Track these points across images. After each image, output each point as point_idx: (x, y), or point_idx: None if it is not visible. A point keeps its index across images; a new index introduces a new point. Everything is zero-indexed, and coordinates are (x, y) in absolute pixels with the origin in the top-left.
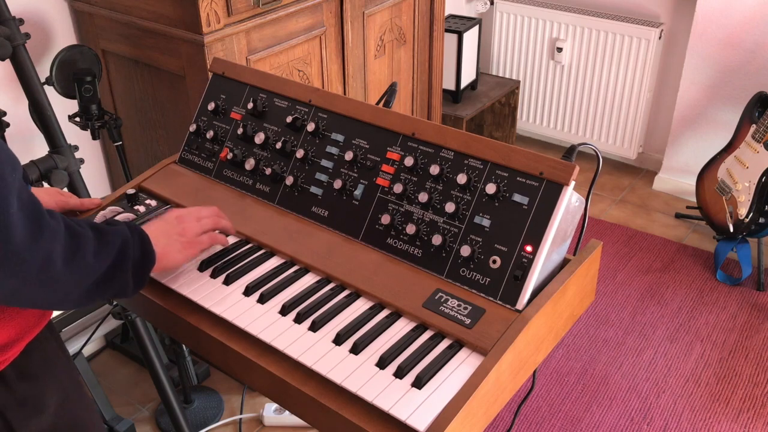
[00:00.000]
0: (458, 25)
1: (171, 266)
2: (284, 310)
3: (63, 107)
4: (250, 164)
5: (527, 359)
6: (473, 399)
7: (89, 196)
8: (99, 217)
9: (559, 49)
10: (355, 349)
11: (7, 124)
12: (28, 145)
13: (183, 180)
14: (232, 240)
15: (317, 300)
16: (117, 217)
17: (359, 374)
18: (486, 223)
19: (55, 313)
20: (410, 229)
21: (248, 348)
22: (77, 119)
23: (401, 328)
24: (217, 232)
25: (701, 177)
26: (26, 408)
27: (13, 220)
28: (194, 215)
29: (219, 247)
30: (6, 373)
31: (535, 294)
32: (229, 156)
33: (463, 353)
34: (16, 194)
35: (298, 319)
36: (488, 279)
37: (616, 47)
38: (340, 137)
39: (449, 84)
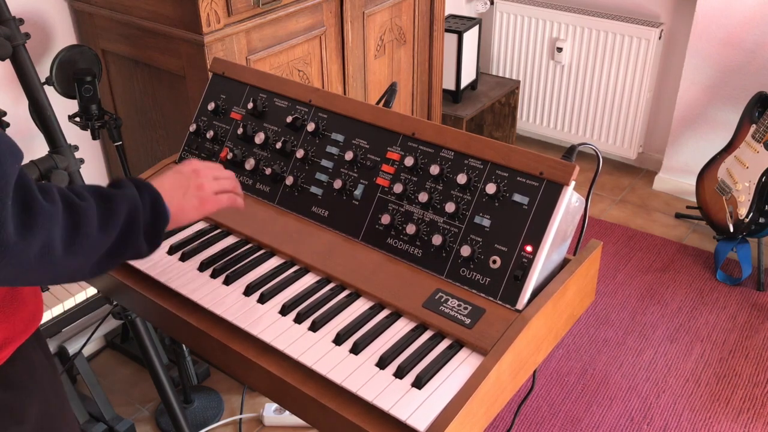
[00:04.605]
0: (458, 25)
1: (185, 223)
2: (284, 310)
3: (63, 107)
4: (250, 164)
5: (527, 359)
6: (473, 399)
7: None
8: None
9: (559, 49)
10: (355, 349)
11: (7, 124)
12: (28, 145)
13: None
14: (232, 240)
15: (317, 300)
16: None
17: (359, 374)
18: (486, 223)
19: (52, 316)
20: (410, 229)
21: (248, 348)
22: (77, 119)
23: (401, 328)
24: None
25: (701, 177)
26: (5, 417)
27: (8, 212)
28: (212, 172)
29: (220, 247)
30: None
31: (535, 294)
32: (229, 156)
33: (463, 353)
34: (14, 183)
35: (298, 319)
36: (488, 279)
37: (616, 47)
38: (340, 137)
39: (449, 84)
